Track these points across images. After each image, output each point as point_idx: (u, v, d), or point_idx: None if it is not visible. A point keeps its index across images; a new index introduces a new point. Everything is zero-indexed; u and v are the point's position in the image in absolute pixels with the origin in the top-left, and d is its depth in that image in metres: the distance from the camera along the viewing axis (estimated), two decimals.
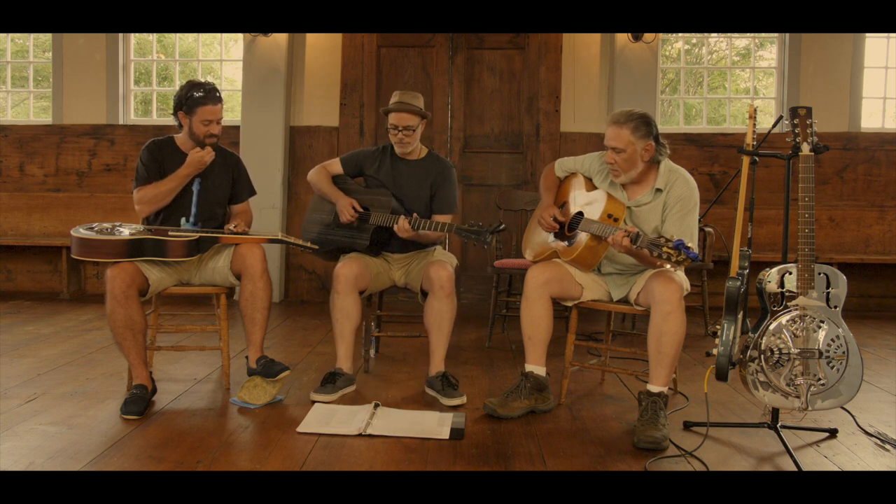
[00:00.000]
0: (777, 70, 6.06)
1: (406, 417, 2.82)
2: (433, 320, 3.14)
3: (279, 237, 3.17)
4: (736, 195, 3.31)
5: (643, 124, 2.84)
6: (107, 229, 3.00)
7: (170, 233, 2.99)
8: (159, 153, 3.15)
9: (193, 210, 3.15)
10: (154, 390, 3.00)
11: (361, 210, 3.28)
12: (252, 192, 3.39)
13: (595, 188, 3.03)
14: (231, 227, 3.15)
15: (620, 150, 2.84)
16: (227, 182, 3.28)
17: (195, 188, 3.15)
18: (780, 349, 2.51)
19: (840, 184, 5.84)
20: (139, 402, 2.85)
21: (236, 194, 3.33)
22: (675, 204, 2.86)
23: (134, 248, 2.92)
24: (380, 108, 3.55)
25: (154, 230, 3.01)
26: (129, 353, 2.96)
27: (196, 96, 3.09)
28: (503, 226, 3.02)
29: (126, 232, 3.00)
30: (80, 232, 2.97)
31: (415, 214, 3.13)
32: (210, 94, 3.10)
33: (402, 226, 3.10)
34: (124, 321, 2.91)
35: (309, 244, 3.26)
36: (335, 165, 3.46)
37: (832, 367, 2.51)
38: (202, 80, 3.18)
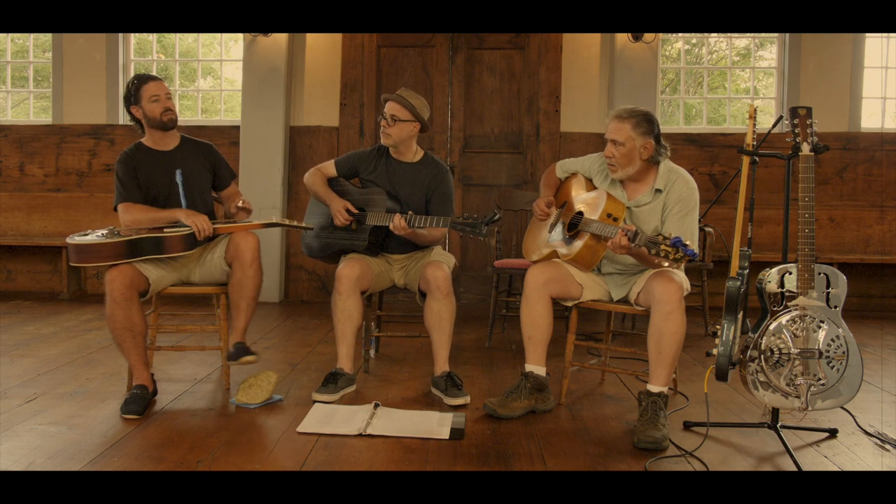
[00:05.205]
0: (777, 70, 6.06)
1: (406, 417, 2.82)
2: (433, 321, 3.14)
3: (273, 221, 3.15)
4: (736, 195, 3.31)
5: (645, 121, 2.85)
6: (102, 235, 2.98)
7: (165, 230, 2.97)
8: (132, 163, 3.12)
9: (183, 201, 3.14)
10: (154, 391, 3.00)
11: (356, 212, 3.28)
12: (233, 175, 3.39)
13: (595, 188, 3.03)
14: (238, 203, 3.15)
15: (619, 144, 2.85)
16: (207, 170, 3.26)
17: (178, 179, 3.15)
18: (780, 349, 2.51)
19: (840, 184, 5.84)
20: (139, 402, 2.85)
21: (220, 181, 3.32)
22: (674, 204, 2.86)
23: (133, 249, 2.91)
24: (379, 106, 3.54)
25: (150, 228, 2.99)
26: (130, 354, 2.96)
27: (138, 81, 3.12)
28: (498, 215, 2.99)
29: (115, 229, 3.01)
30: (76, 239, 2.94)
31: (410, 212, 3.13)
32: (145, 75, 3.14)
33: (397, 223, 3.09)
34: (124, 323, 2.90)
35: (305, 224, 3.24)
36: (329, 168, 3.45)
37: (832, 367, 2.51)
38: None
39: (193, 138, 3.30)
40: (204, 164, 3.25)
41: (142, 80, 3.12)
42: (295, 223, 3.19)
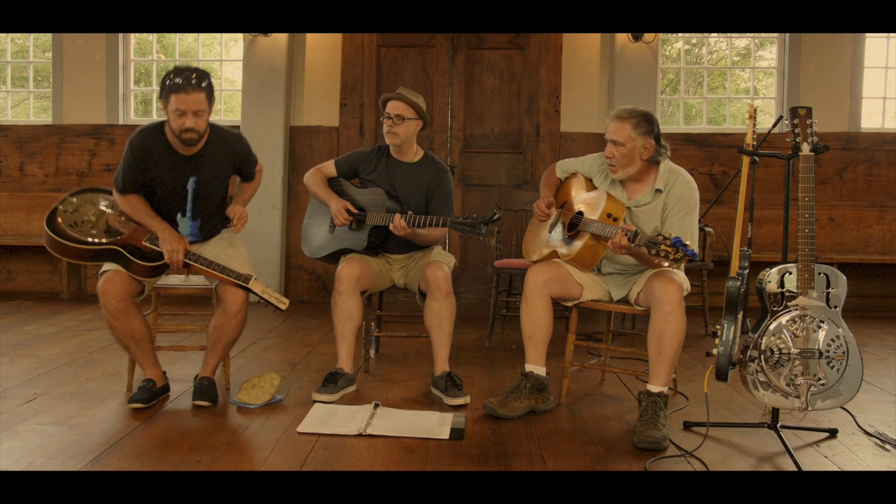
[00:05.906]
0: (777, 70, 6.06)
1: (406, 417, 2.82)
2: (433, 321, 3.14)
3: (249, 286, 2.92)
4: (736, 195, 3.31)
5: (645, 121, 2.84)
6: (83, 222, 2.94)
7: (143, 242, 2.89)
8: (144, 150, 2.90)
9: (189, 205, 2.99)
10: (165, 388, 3.03)
11: (356, 212, 3.28)
12: (256, 161, 3.21)
13: (595, 188, 3.03)
14: (233, 219, 3.04)
15: (620, 144, 2.85)
16: (229, 167, 3.07)
17: (190, 187, 2.96)
18: (780, 349, 2.51)
19: (840, 184, 5.84)
20: (145, 392, 2.89)
21: (246, 173, 3.17)
22: (675, 204, 2.86)
23: (97, 256, 2.90)
24: (379, 103, 3.53)
25: (127, 237, 2.92)
26: (137, 358, 3.00)
27: (172, 82, 2.77)
28: (497, 215, 2.99)
29: (104, 204, 2.99)
30: (56, 226, 2.91)
31: (410, 212, 3.13)
32: (186, 81, 2.75)
33: (397, 223, 3.09)
34: (124, 333, 2.91)
35: (281, 302, 2.94)
36: (329, 168, 3.45)
37: (832, 367, 2.51)
38: (192, 66, 2.85)
39: (223, 130, 3.03)
40: (226, 167, 3.05)
41: (174, 87, 2.77)
42: (269, 295, 2.92)
